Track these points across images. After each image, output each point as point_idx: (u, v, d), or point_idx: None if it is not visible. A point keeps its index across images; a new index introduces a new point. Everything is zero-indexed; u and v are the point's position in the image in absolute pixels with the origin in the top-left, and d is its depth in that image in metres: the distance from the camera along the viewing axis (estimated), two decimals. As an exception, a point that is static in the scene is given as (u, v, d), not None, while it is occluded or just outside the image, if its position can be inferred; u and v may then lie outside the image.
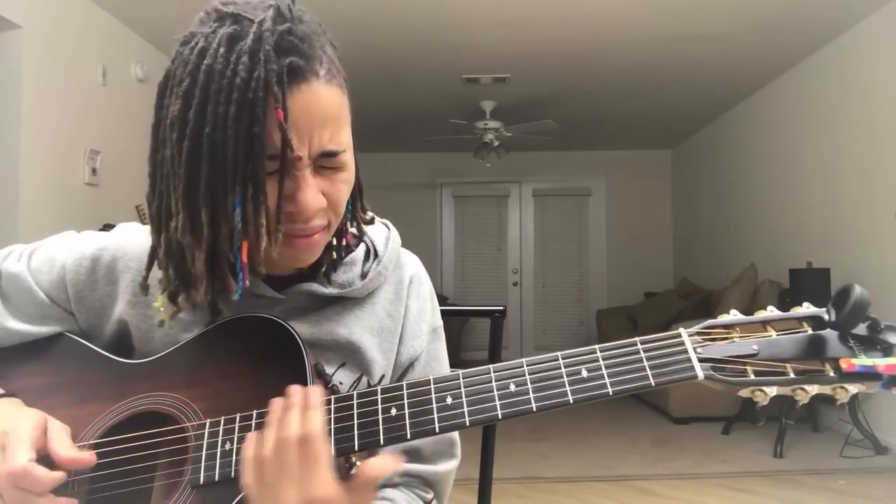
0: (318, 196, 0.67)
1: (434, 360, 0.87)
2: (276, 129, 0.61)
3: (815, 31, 4.20)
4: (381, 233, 0.86)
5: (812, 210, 4.68)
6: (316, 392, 0.64)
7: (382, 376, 0.80)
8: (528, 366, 0.65)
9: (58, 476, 0.66)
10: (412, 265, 0.88)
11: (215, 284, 0.69)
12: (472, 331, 7.08)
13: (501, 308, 1.23)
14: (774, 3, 3.76)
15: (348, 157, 0.70)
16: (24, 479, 0.65)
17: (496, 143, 5.89)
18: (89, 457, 0.69)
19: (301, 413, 0.62)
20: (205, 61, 0.62)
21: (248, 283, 0.67)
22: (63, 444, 0.69)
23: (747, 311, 0.62)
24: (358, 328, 0.80)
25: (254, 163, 0.61)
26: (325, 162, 0.67)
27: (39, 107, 3.33)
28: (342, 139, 0.68)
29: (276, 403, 0.64)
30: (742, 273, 5.06)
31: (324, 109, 0.65)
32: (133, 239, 0.82)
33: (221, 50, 0.62)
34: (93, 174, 3.73)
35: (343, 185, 0.71)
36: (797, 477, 3.41)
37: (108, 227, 0.88)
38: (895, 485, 3.27)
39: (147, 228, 0.75)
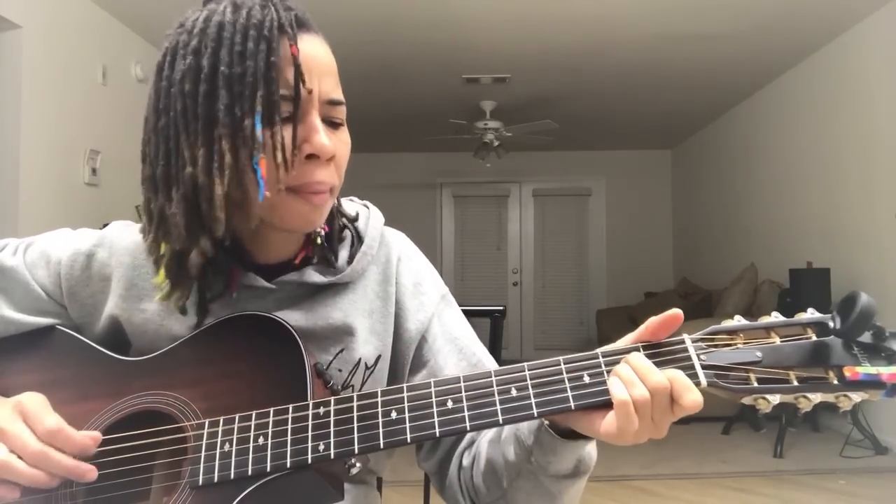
0: (330, 144, 0.70)
1: (457, 325, 0.86)
2: (290, 67, 0.66)
3: (815, 31, 4.20)
4: (361, 214, 0.86)
5: (812, 210, 4.68)
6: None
7: (379, 357, 0.79)
8: (529, 370, 0.64)
9: (92, 435, 0.68)
10: (398, 243, 0.87)
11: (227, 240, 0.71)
12: (471, 331, 7.07)
13: (501, 308, 1.23)
14: (774, 4, 3.76)
15: (344, 115, 0.74)
16: (58, 436, 0.66)
17: (496, 143, 5.89)
18: (96, 434, 0.70)
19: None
20: (214, 19, 0.67)
21: (268, 193, 0.67)
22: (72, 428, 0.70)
23: (747, 312, 0.61)
24: (352, 310, 0.80)
25: (270, 86, 0.65)
26: (331, 112, 0.72)
27: (39, 107, 3.32)
28: (341, 93, 0.73)
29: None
30: (742, 273, 5.05)
31: (326, 59, 0.72)
32: (127, 235, 0.83)
33: (229, 10, 0.67)
34: (93, 174, 3.73)
35: (344, 146, 0.74)
36: (797, 477, 3.40)
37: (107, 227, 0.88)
38: (895, 485, 3.27)
39: (140, 226, 0.76)
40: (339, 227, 0.83)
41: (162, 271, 0.74)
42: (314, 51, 0.70)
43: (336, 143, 0.72)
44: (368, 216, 0.86)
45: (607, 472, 3.53)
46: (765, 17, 3.93)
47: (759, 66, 4.88)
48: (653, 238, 7.77)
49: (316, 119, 0.70)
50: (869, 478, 3.36)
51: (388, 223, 0.89)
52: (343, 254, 0.81)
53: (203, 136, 0.66)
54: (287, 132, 0.67)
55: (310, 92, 0.68)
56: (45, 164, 3.38)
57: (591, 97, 5.64)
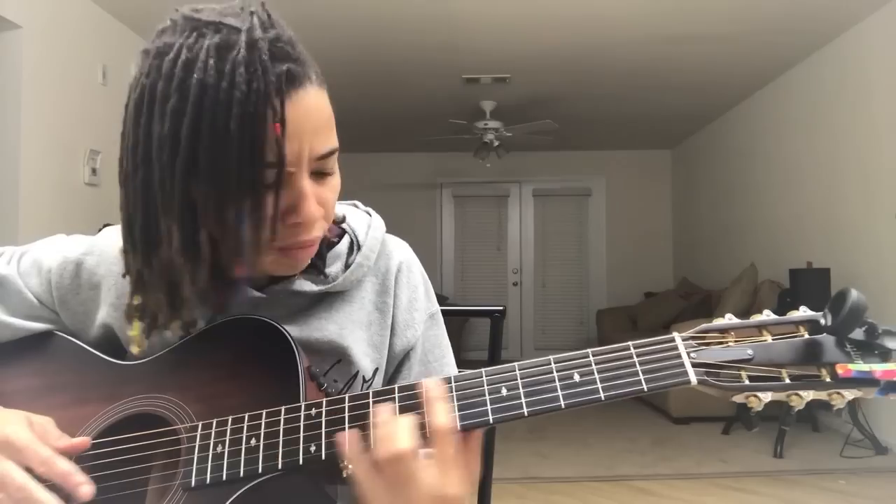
0: (318, 206, 0.67)
1: (436, 348, 0.85)
2: (275, 143, 0.60)
3: (815, 31, 4.19)
4: (362, 221, 0.83)
5: (812, 210, 4.68)
6: (434, 385, 0.62)
7: (376, 370, 0.79)
8: (520, 370, 0.63)
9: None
10: (400, 253, 0.84)
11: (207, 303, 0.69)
12: (472, 331, 7.07)
13: (501, 308, 1.22)
14: (774, 4, 3.76)
15: (336, 161, 0.70)
16: (19, 493, 0.64)
17: (496, 143, 5.89)
18: (81, 441, 0.69)
19: (431, 406, 0.61)
20: (194, 75, 0.60)
21: (246, 294, 0.68)
22: (53, 437, 0.68)
23: (747, 312, 0.61)
24: (348, 323, 0.79)
25: (255, 177, 0.60)
26: (322, 165, 0.67)
27: (39, 107, 3.33)
28: (334, 139, 0.68)
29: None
30: (742, 273, 5.05)
31: (319, 113, 0.65)
32: (118, 242, 0.81)
33: (211, 62, 0.60)
34: (93, 174, 3.73)
35: (332, 194, 0.70)
36: (797, 477, 3.40)
37: (107, 227, 0.87)
38: (895, 485, 3.27)
39: None
40: (338, 233, 0.81)
41: (136, 323, 0.72)
42: (307, 108, 0.63)
43: (325, 194, 0.68)
44: (370, 224, 0.83)
45: (607, 472, 3.53)
46: (765, 17, 3.93)
47: (759, 67, 4.88)
48: (653, 238, 7.76)
49: (304, 184, 0.65)
50: (869, 478, 3.36)
51: (388, 223, 0.86)
52: (338, 262, 0.79)
53: (181, 218, 0.62)
54: (272, 202, 0.63)
55: (292, 174, 0.63)
56: (45, 164, 3.38)
57: (591, 97, 5.64)
